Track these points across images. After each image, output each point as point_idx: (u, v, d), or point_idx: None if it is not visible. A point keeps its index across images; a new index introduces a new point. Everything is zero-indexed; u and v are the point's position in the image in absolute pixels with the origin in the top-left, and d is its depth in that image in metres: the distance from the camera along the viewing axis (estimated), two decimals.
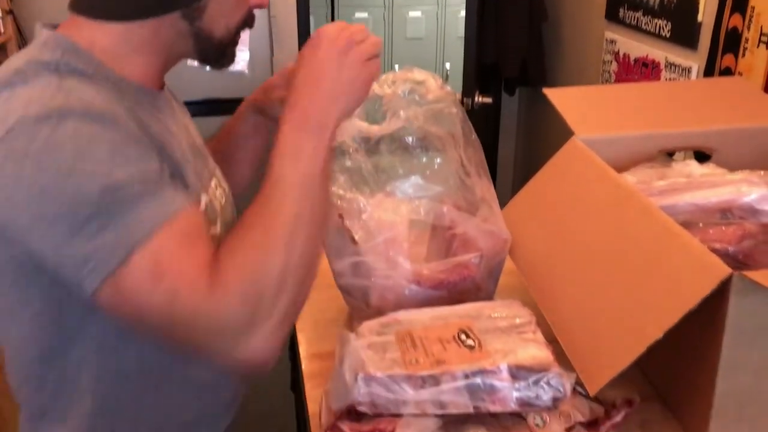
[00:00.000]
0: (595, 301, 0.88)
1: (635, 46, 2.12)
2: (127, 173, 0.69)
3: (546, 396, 0.82)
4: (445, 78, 4.61)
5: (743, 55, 1.65)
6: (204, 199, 0.86)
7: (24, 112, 0.68)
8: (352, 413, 0.85)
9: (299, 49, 2.97)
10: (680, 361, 0.90)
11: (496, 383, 0.82)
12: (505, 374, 0.82)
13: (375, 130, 1.04)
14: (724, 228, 0.97)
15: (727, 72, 1.71)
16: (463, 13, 2.93)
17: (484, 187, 1.09)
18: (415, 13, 4.45)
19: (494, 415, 0.86)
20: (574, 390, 0.85)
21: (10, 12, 1.99)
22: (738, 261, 0.97)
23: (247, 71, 2.53)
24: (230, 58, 0.90)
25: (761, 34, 1.59)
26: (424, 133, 1.03)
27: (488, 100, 2.48)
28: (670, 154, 1.23)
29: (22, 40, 2.07)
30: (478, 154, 1.06)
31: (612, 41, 2.23)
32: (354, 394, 0.83)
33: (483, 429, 0.85)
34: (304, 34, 2.93)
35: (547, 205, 1.09)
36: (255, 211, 0.74)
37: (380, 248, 0.96)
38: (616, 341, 0.81)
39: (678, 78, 1.92)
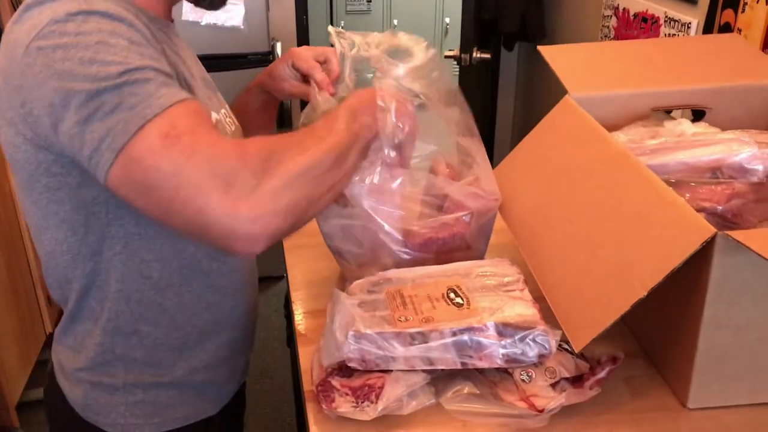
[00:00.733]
0: (582, 260, 0.89)
1: (635, 1, 2.09)
2: (143, 62, 0.75)
3: (532, 353, 0.84)
4: (444, 33, 4.55)
5: (743, 10, 1.63)
6: (214, 116, 0.93)
7: (53, 15, 0.76)
8: (343, 369, 0.87)
9: (295, 6, 2.94)
10: (665, 319, 0.92)
11: (483, 340, 0.84)
12: (491, 331, 0.84)
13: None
14: (713, 187, 0.98)
15: (727, 27, 1.69)
16: None
17: (474, 147, 1.09)
18: None
19: (481, 371, 0.88)
20: (559, 347, 0.87)
21: None
22: (727, 220, 0.98)
23: (242, 26, 2.51)
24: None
25: None
26: (414, 92, 1.02)
27: (486, 55, 2.46)
28: (668, 112, 1.22)
29: None
30: (465, 116, 1.06)
31: None
32: (344, 351, 0.85)
33: (470, 384, 0.88)
34: None
35: (538, 164, 1.10)
36: (304, 131, 0.84)
37: (368, 209, 0.97)
38: (602, 299, 0.83)
39: (677, 33, 1.90)
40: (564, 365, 0.87)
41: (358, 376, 0.86)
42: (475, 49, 2.42)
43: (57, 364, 1.01)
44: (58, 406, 1.00)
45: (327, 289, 1.11)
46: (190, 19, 2.40)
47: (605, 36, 2.28)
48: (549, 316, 0.87)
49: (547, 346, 0.84)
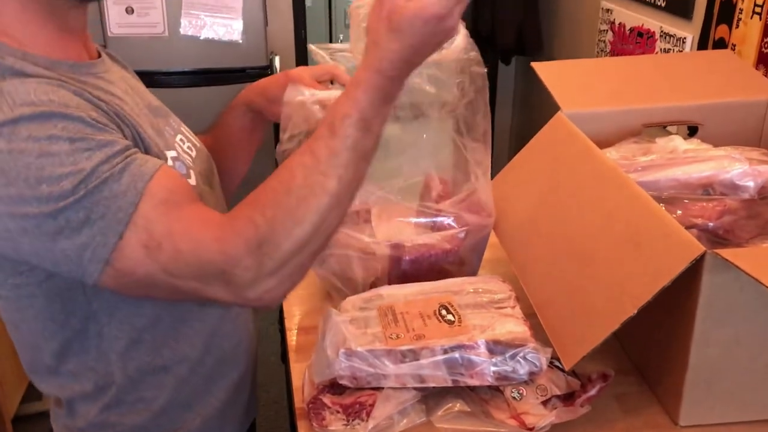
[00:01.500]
0: (573, 277, 0.89)
1: (631, 16, 2.11)
2: (92, 161, 0.68)
3: (522, 370, 0.84)
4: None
5: (737, 25, 1.65)
6: (170, 154, 0.85)
7: None
8: (334, 386, 0.87)
9: (294, 20, 2.95)
10: (656, 336, 0.92)
11: (474, 358, 0.84)
12: (482, 349, 0.84)
13: None
14: (705, 203, 0.98)
15: (721, 42, 1.70)
16: None
17: (481, 154, 1.08)
18: None
19: (472, 389, 0.88)
20: (550, 364, 0.87)
21: None
22: (718, 236, 0.98)
23: (241, 40, 2.52)
24: None
25: (755, 5, 1.58)
26: (419, 97, 1.01)
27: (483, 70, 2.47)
28: (663, 127, 1.23)
29: None
30: (485, 122, 1.04)
31: (608, 10, 2.22)
32: (335, 368, 0.85)
33: (461, 402, 0.88)
34: (298, 3, 2.91)
35: (531, 180, 1.10)
36: (301, 164, 0.72)
37: (361, 224, 0.97)
38: (592, 317, 0.83)
39: (673, 48, 1.91)
40: (555, 383, 0.87)
41: (349, 393, 0.86)
42: None
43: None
44: None
45: (320, 305, 1.12)
46: (189, 34, 2.42)
47: (601, 51, 2.29)
48: (540, 333, 0.87)
49: (537, 364, 0.84)
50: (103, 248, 0.68)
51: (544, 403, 0.86)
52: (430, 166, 1.15)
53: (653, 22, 1.99)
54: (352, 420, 0.84)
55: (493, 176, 1.13)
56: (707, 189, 1.02)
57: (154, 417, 0.89)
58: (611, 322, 0.79)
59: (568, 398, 0.87)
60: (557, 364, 0.88)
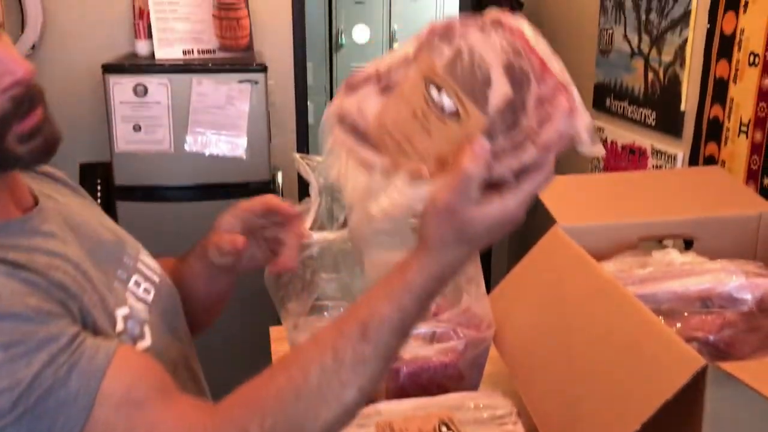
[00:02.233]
0: (574, 393, 0.88)
1: (622, 134, 2.18)
2: (32, 367, 0.59)
3: None
4: None
5: (725, 143, 1.70)
6: (121, 313, 0.73)
7: None
8: None
9: (297, 135, 3.05)
10: None
11: None
12: None
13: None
14: (704, 316, 0.98)
15: (711, 159, 1.75)
16: None
17: (472, 269, 1.09)
18: None
19: None
20: None
21: None
22: (719, 350, 0.97)
23: (245, 156, 2.59)
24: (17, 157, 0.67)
25: (741, 124, 1.64)
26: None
27: None
28: (659, 240, 1.25)
29: None
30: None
31: (600, 129, 2.29)
32: None
33: None
34: (302, 120, 3.02)
35: (529, 294, 1.10)
36: (320, 365, 0.63)
37: None
38: None
39: (664, 164, 1.96)
40: None
41: None
42: None
43: None
44: None
45: None
46: (194, 151, 2.49)
47: (595, 167, 2.35)
48: None
49: None
50: None
51: None
52: None
53: (644, 140, 2.05)
54: None
55: (492, 286, 1.13)
56: (706, 302, 1.02)
57: None
58: None
59: None
60: None
